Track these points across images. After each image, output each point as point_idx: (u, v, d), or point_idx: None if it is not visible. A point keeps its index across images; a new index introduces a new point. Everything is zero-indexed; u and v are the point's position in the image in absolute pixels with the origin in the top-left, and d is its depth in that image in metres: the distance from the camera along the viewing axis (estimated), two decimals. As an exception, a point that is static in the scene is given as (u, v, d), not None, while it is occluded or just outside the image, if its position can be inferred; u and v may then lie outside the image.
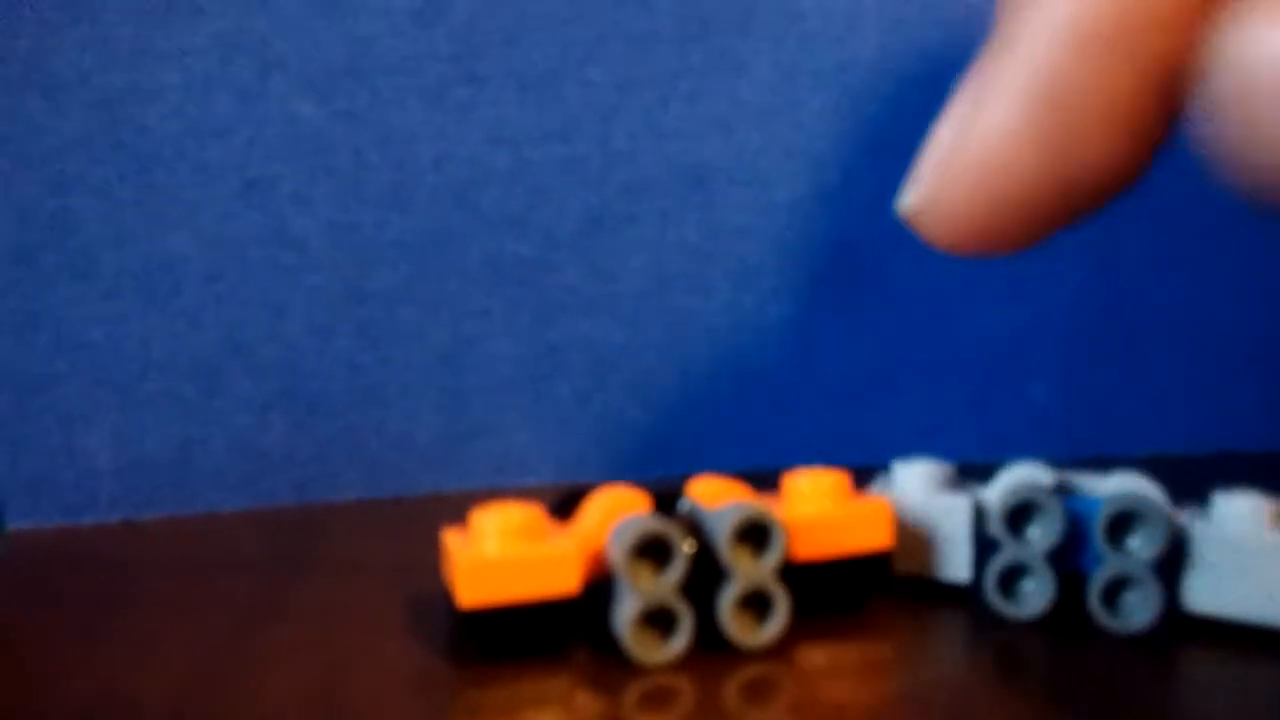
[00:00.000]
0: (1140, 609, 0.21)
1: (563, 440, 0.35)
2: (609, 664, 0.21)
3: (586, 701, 0.19)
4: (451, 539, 0.21)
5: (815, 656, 0.21)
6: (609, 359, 0.35)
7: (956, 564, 0.23)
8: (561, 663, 0.21)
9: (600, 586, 0.21)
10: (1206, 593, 0.21)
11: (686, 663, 0.21)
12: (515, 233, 0.34)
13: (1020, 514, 0.22)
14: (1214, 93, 0.12)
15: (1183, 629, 0.21)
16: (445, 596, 0.24)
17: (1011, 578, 0.23)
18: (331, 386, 0.34)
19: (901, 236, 0.18)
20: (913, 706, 0.19)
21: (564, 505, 0.23)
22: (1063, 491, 0.23)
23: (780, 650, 0.21)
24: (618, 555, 0.20)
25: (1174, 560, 0.21)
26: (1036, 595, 0.22)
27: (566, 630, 0.21)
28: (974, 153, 0.16)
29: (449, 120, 0.33)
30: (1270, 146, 0.11)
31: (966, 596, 0.23)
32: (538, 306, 0.35)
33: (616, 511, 0.22)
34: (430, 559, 0.24)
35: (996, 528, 0.22)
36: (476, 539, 0.21)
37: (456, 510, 0.32)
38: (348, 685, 0.20)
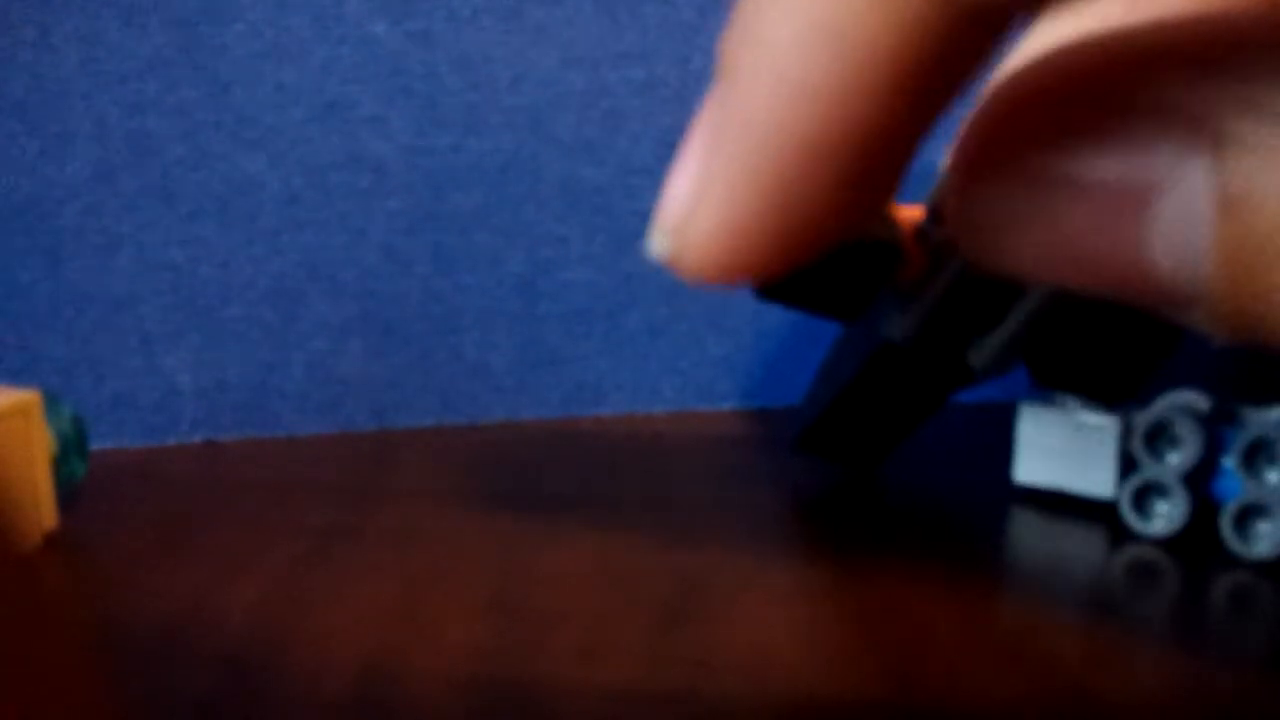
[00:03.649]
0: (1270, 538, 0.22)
1: (637, 369, 0.35)
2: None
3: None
4: None
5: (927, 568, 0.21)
6: (685, 288, 0.35)
7: (1100, 480, 0.24)
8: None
9: None
10: None
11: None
12: (591, 158, 0.33)
13: (1158, 435, 0.23)
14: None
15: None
16: (518, 521, 0.24)
17: (1147, 496, 0.23)
18: (408, 312, 0.34)
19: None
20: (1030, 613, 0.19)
21: None
22: (1214, 419, 0.23)
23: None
24: None
25: None
26: (1170, 515, 0.23)
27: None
28: (706, 220, 0.15)
29: (525, 41, 0.33)
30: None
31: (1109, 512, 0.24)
32: (613, 234, 0.34)
33: None
34: (505, 486, 0.23)
35: (1136, 446, 0.23)
36: None
37: (529, 438, 0.32)
38: (425, 604, 0.20)
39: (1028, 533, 0.24)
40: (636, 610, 0.20)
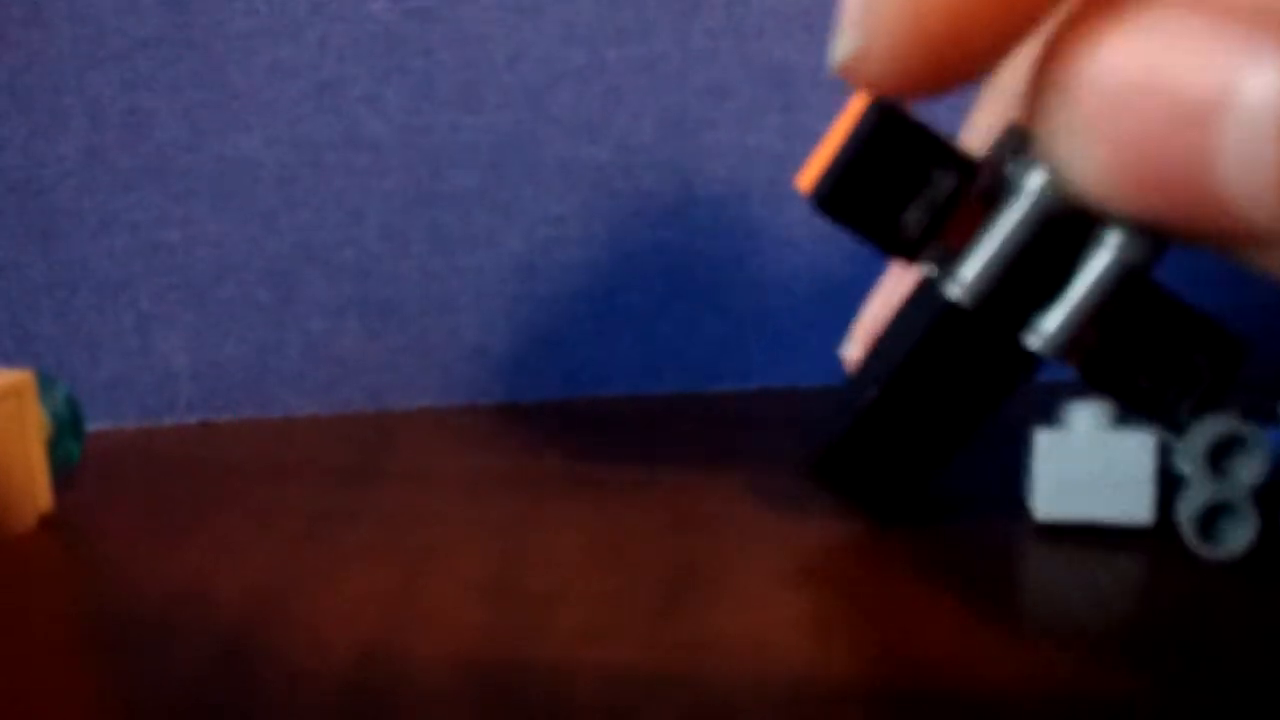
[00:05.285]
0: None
1: (636, 350, 0.34)
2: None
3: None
4: None
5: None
6: (685, 268, 0.34)
7: (1136, 506, 0.22)
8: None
9: None
10: None
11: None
12: (590, 136, 0.33)
13: (1222, 451, 0.21)
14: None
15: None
16: (517, 503, 0.24)
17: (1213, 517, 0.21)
18: (405, 292, 0.33)
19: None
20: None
21: None
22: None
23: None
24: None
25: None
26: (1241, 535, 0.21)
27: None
28: None
29: (523, 18, 0.32)
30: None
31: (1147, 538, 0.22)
32: (613, 214, 0.34)
33: None
34: (503, 467, 0.23)
35: (1198, 464, 0.21)
36: None
37: (528, 419, 0.32)
38: (423, 586, 0.20)
39: (1020, 512, 0.23)
40: (637, 591, 0.20)
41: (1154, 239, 0.19)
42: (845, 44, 0.15)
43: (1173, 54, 0.11)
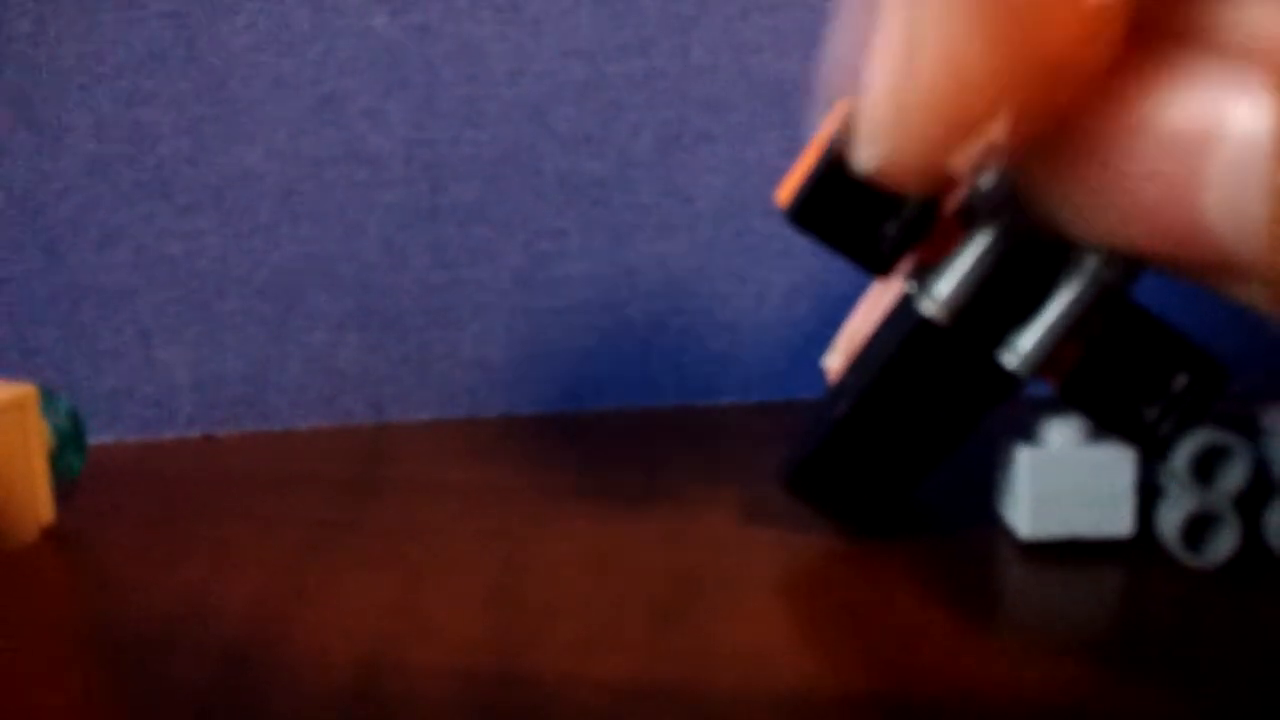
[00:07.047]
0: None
1: (636, 364, 0.34)
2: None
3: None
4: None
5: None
6: (684, 282, 0.34)
7: (1118, 519, 0.22)
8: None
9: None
10: None
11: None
12: (590, 150, 0.33)
13: (1206, 461, 0.21)
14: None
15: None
16: (516, 515, 0.24)
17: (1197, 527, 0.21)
18: (406, 305, 0.33)
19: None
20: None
21: None
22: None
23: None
24: None
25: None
26: (1225, 543, 0.21)
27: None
28: (922, 79, 0.13)
29: (523, 33, 0.33)
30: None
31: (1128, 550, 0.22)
32: (612, 227, 0.34)
33: None
34: (502, 479, 0.23)
35: (1180, 475, 0.21)
36: None
37: (527, 432, 0.32)
38: (423, 597, 0.20)
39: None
40: (634, 603, 0.20)
41: (1130, 261, 0.18)
42: (874, 152, 0.14)
43: (1160, 89, 0.11)
